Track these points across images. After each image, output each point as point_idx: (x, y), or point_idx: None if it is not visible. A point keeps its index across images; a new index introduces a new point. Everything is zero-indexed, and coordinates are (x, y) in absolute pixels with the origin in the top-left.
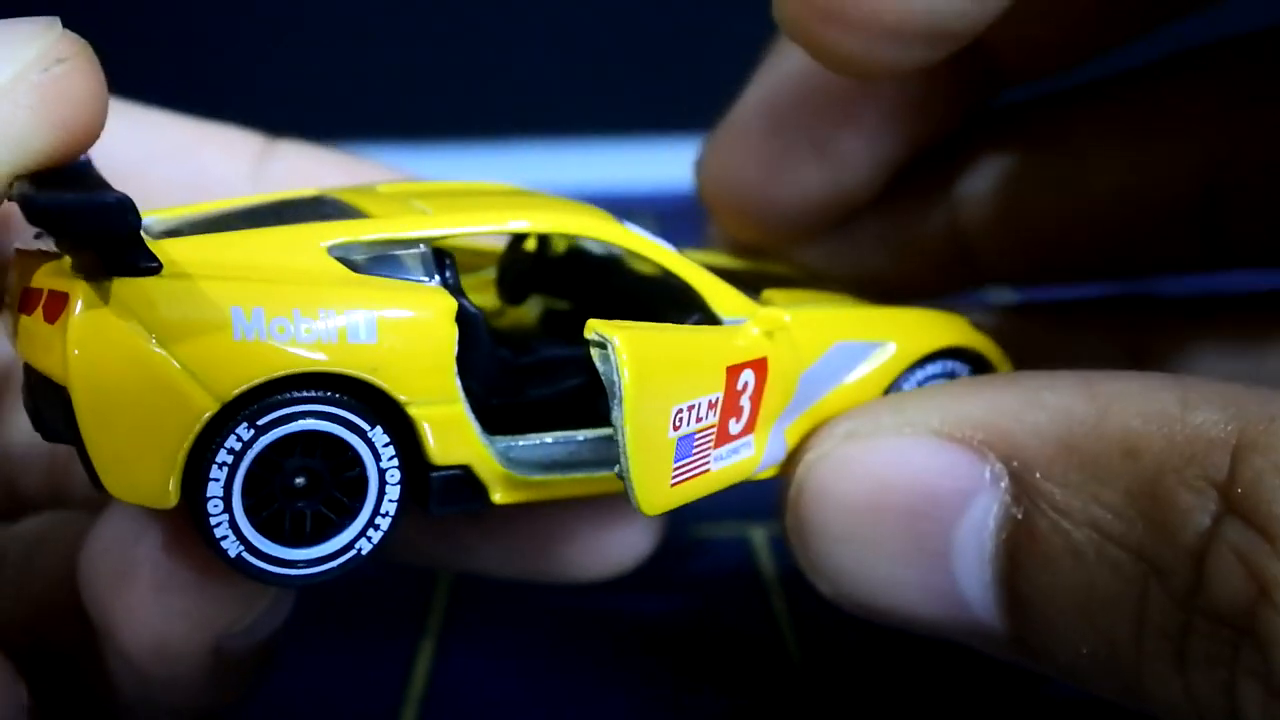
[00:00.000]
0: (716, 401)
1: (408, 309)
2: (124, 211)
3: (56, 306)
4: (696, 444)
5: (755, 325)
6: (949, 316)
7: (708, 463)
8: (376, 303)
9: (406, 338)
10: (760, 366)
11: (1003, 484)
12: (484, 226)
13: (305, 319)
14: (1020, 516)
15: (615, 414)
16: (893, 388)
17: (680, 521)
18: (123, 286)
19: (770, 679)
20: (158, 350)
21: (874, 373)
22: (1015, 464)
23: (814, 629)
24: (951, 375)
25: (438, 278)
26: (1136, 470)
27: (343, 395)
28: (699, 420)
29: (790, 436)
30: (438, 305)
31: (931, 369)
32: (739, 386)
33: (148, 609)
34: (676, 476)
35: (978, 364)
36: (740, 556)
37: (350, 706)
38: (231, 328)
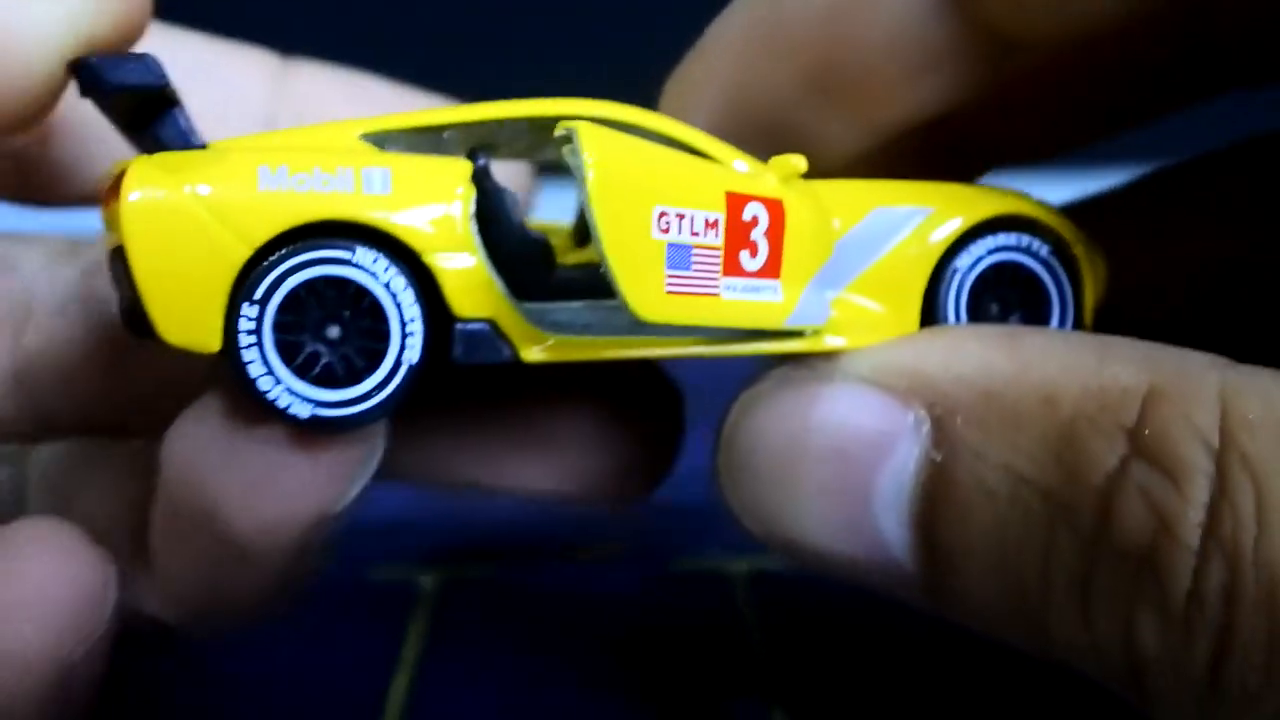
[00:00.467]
0: (717, 223)
1: (422, 167)
2: (154, 63)
3: (118, 184)
4: (696, 258)
5: (771, 172)
6: (1012, 191)
7: (716, 286)
8: (393, 162)
9: (420, 190)
10: (774, 207)
11: (925, 429)
12: (506, 115)
13: (324, 174)
14: (939, 460)
15: (580, 197)
16: (949, 259)
17: (658, 556)
18: (169, 157)
19: (746, 714)
20: (196, 204)
21: (923, 240)
22: (938, 411)
23: (792, 663)
24: (1028, 250)
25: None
26: (1052, 417)
27: (364, 244)
28: (694, 234)
29: (839, 308)
30: (452, 166)
31: (1003, 239)
32: (746, 218)
33: (264, 488)
34: (673, 285)
35: (1052, 238)
36: (718, 590)
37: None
38: (258, 181)
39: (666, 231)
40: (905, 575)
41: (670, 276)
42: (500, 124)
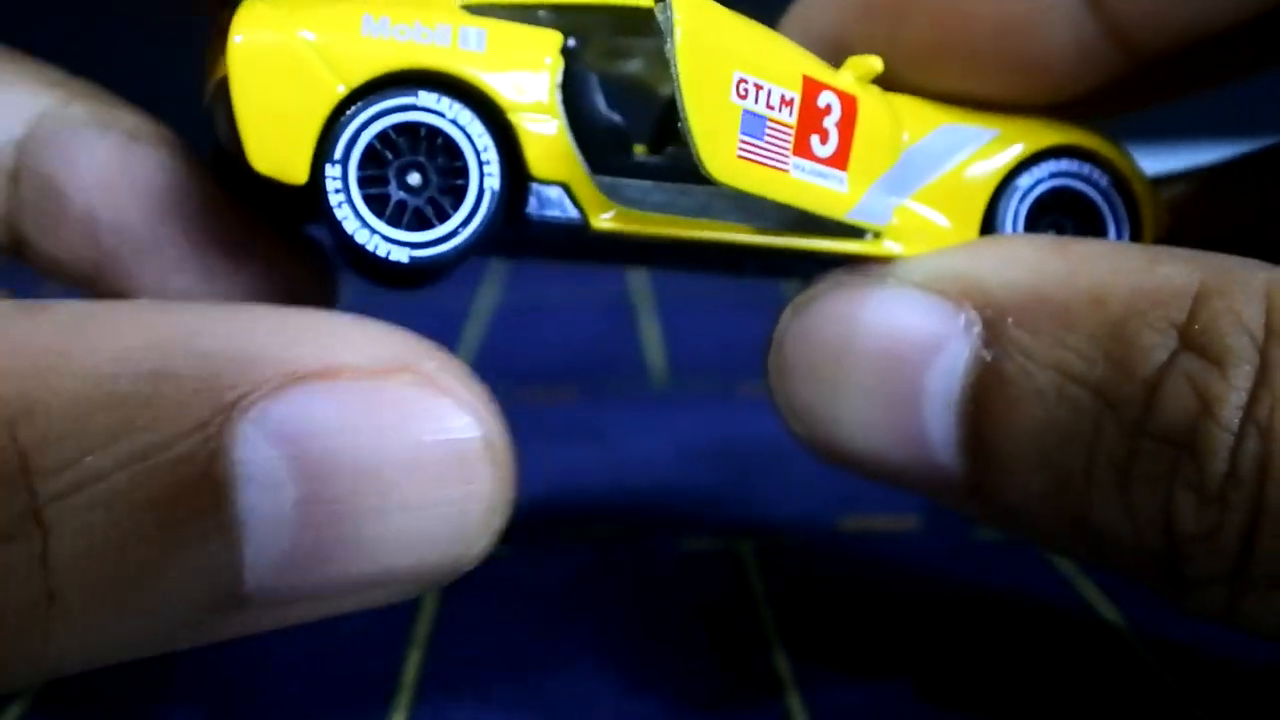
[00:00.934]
0: (792, 101)
1: (517, 33)
2: None
3: (225, 25)
4: (769, 131)
5: (849, 70)
6: (1079, 123)
7: (785, 162)
8: (490, 25)
9: (511, 51)
10: (848, 101)
11: (975, 330)
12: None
13: (424, 26)
14: (989, 360)
15: (668, 48)
16: (1009, 181)
17: (666, 534)
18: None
19: (757, 692)
20: (300, 41)
21: (987, 159)
22: (989, 312)
23: (802, 641)
24: (1089, 179)
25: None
26: (1103, 315)
27: (452, 95)
28: (770, 107)
29: (901, 215)
30: (544, 36)
31: (1065, 165)
32: (820, 104)
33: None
34: (745, 151)
35: (1113, 172)
36: (727, 570)
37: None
38: (361, 27)
39: (744, 98)
40: (949, 476)
41: (743, 142)
42: (594, 12)
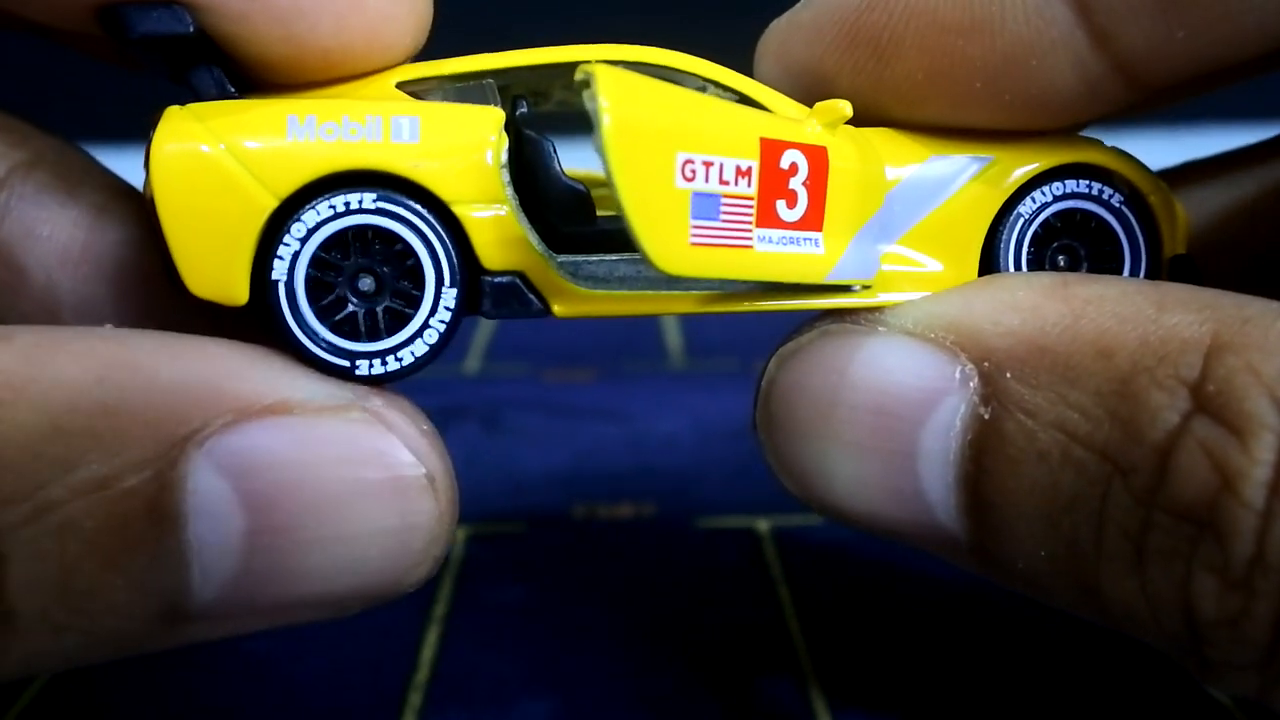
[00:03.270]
0: (750, 170)
1: (452, 115)
2: (181, 12)
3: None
4: (726, 208)
5: (814, 118)
6: (1080, 137)
7: (748, 238)
8: (422, 111)
9: (449, 139)
10: (816, 155)
11: (972, 384)
12: (545, 60)
13: (353, 122)
14: (988, 417)
15: (595, 143)
16: (1009, 210)
17: (685, 513)
18: (201, 106)
19: (774, 669)
20: (223, 153)
21: (982, 189)
22: (986, 365)
23: (819, 619)
24: (1099, 198)
25: (496, 104)
26: (1108, 370)
27: (396, 194)
28: (724, 182)
29: (891, 261)
30: (483, 115)
31: (1071, 185)
32: (783, 165)
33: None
34: (699, 236)
35: (1126, 187)
36: (745, 548)
37: (355, 690)
38: (286, 131)
39: (692, 179)
40: (950, 538)
41: (696, 227)
42: (542, 70)
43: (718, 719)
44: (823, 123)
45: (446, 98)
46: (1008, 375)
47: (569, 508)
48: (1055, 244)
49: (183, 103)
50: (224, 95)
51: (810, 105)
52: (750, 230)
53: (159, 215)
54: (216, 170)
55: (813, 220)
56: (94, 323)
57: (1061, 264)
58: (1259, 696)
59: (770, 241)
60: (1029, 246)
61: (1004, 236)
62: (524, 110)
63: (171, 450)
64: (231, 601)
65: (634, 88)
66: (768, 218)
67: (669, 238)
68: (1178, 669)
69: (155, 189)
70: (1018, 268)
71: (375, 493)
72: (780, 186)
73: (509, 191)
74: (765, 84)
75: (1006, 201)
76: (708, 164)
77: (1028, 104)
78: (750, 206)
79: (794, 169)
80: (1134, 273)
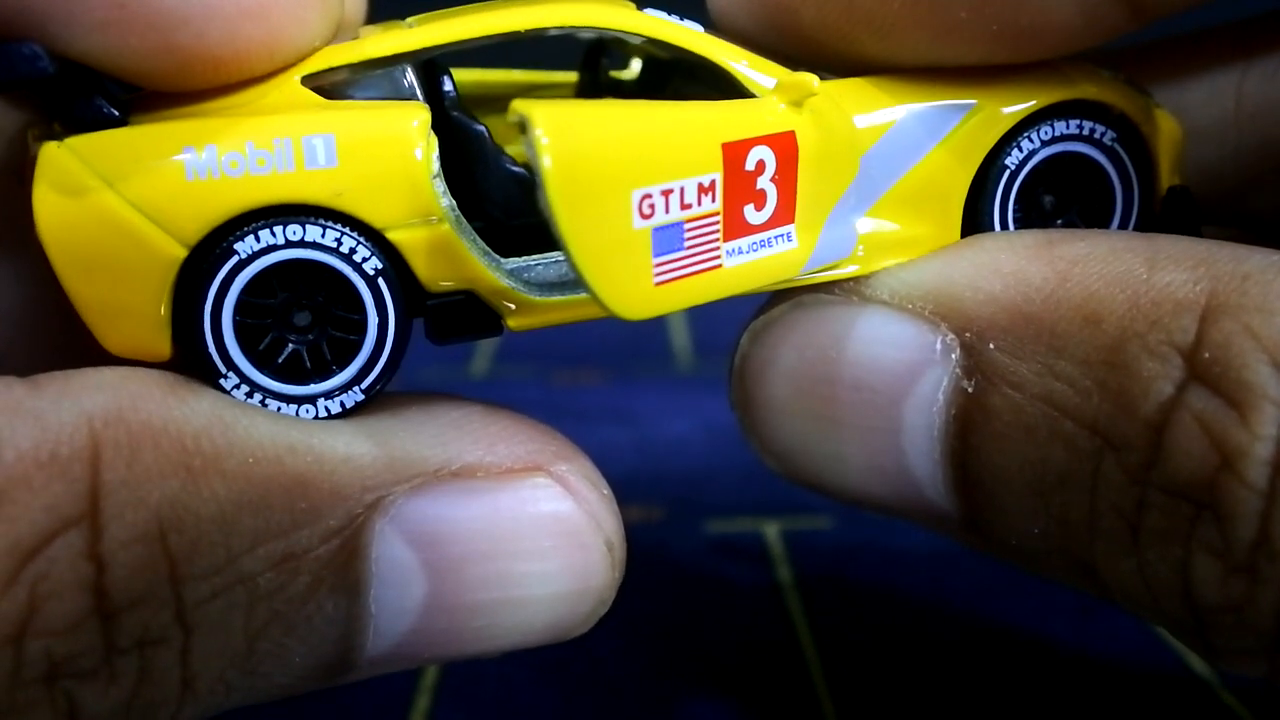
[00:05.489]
0: (713, 185)
1: (371, 127)
2: (37, 52)
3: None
4: (691, 234)
5: (778, 97)
6: (1066, 65)
7: (716, 256)
8: (337, 125)
9: (370, 158)
10: (784, 143)
11: (954, 356)
12: (468, 34)
13: (259, 150)
14: (971, 391)
15: (540, 203)
16: (994, 161)
17: (693, 516)
18: (81, 142)
19: (782, 674)
20: (118, 200)
21: (963, 140)
22: (968, 335)
23: (827, 623)
24: (1090, 138)
25: (420, 95)
26: (1096, 338)
27: (322, 222)
28: (686, 206)
29: (868, 230)
30: (405, 118)
31: (1060, 128)
32: (749, 166)
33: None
34: (664, 273)
35: (1121, 126)
36: (753, 550)
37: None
38: (185, 169)
39: (650, 215)
40: (941, 514)
41: (660, 265)
42: (467, 44)
43: None
44: (788, 100)
45: (362, 87)
46: (990, 345)
47: None
48: (1043, 189)
49: (56, 134)
50: (104, 120)
51: (772, 38)
52: (718, 247)
53: (59, 273)
54: (113, 221)
55: (783, 214)
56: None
57: (1049, 205)
58: (1273, 679)
59: (740, 253)
60: (1016, 200)
61: (989, 191)
62: (450, 91)
63: (358, 519)
64: (397, 656)
65: (576, 125)
66: (736, 228)
67: (630, 284)
68: (1199, 684)
69: (46, 245)
70: (1004, 225)
71: (556, 559)
72: (747, 190)
73: (445, 202)
74: (723, 15)
75: (991, 151)
76: (667, 193)
77: (1018, 34)
78: (716, 222)
79: (760, 167)
80: (1127, 213)
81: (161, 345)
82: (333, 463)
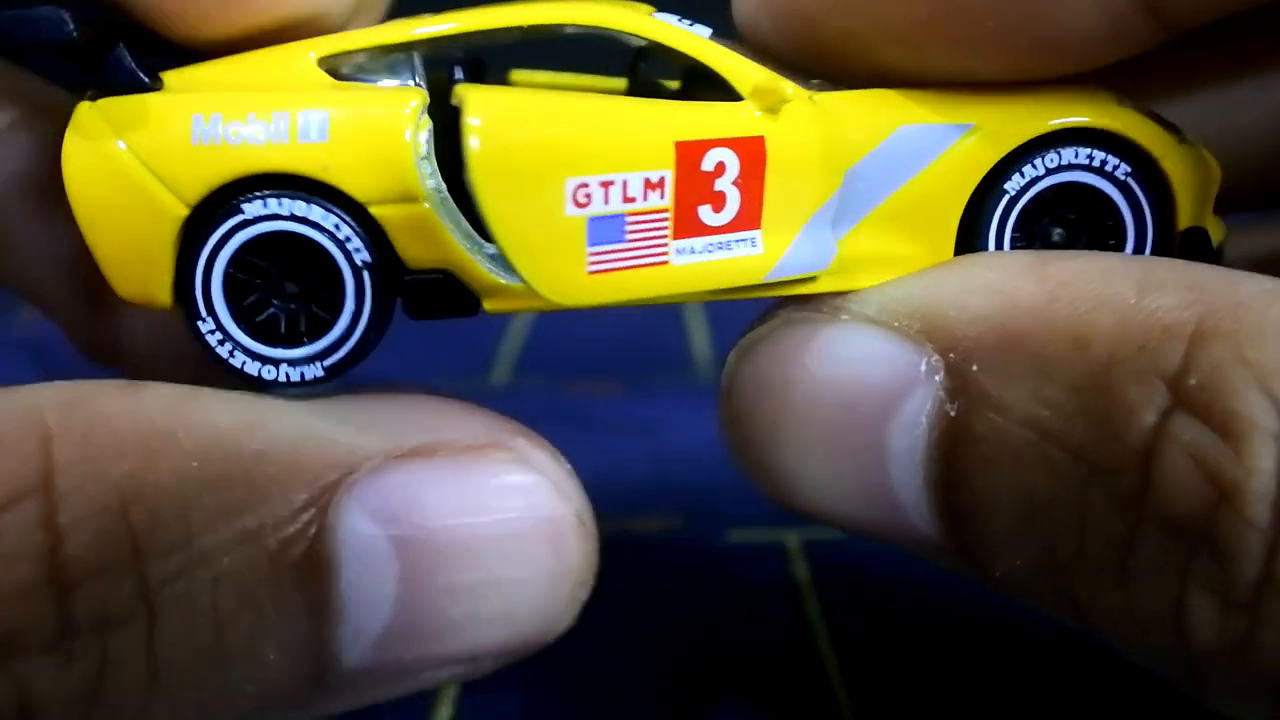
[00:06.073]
0: (662, 181)
1: (363, 108)
2: (58, 16)
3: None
4: (634, 227)
5: (752, 102)
6: (1081, 89)
7: (663, 253)
8: (334, 103)
9: (359, 135)
10: (750, 147)
11: (938, 377)
12: (475, 27)
13: (259, 121)
14: (955, 414)
15: (467, 184)
16: (993, 185)
17: (713, 527)
18: (111, 102)
19: (802, 685)
20: (131, 158)
21: (958, 162)
22: (952, 355)
23: (848, 635)
24: (1100, 169)
25: (424, 82)
26: (1083, 362)
27: (310, 196)
28: (629, 200)
29: (852, 245)
30: (398, 102)
31: (1067, 155)
32: (706, 167)
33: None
34: (600, 263)
35: (1138, 160)
36: (773, 562)
37: None
38: (191, 134)
39: (586, 205)
40: (927, 540)
41: (595, 254)
42: (475, 36)
43: None
44: (761, 106)
45: (374, 72)
46: (975, 367)
47: (598, 522)
48: (1049, 218)
49: (93, 97)
50: (136, 86)
51: (796, 50)
52: (665, 245)
53: (77, 216)
54: (126, 176)
55: (747, 219)
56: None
57: (1056, 239)
58: None
59: (691, 252)
60: (1015, 226)
61: (985, 215)
62: (460, 79)
63: (323, 496)
64: (379, 663)
65: (512, 109)
66: (688, 227)
67: (560, 269)
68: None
69: (69, 193)
70: (1000, 249)
71: (527, 534)
72: (703, 190)
73: (432, 182)
74: (746, 26)
75: (990, 175)
76: (606, 184)
77: (1045, 47)
78: (664, 220)
79: (720, 169)
80: (1139, 252)
81: (163, 294)
82: (293, 440)
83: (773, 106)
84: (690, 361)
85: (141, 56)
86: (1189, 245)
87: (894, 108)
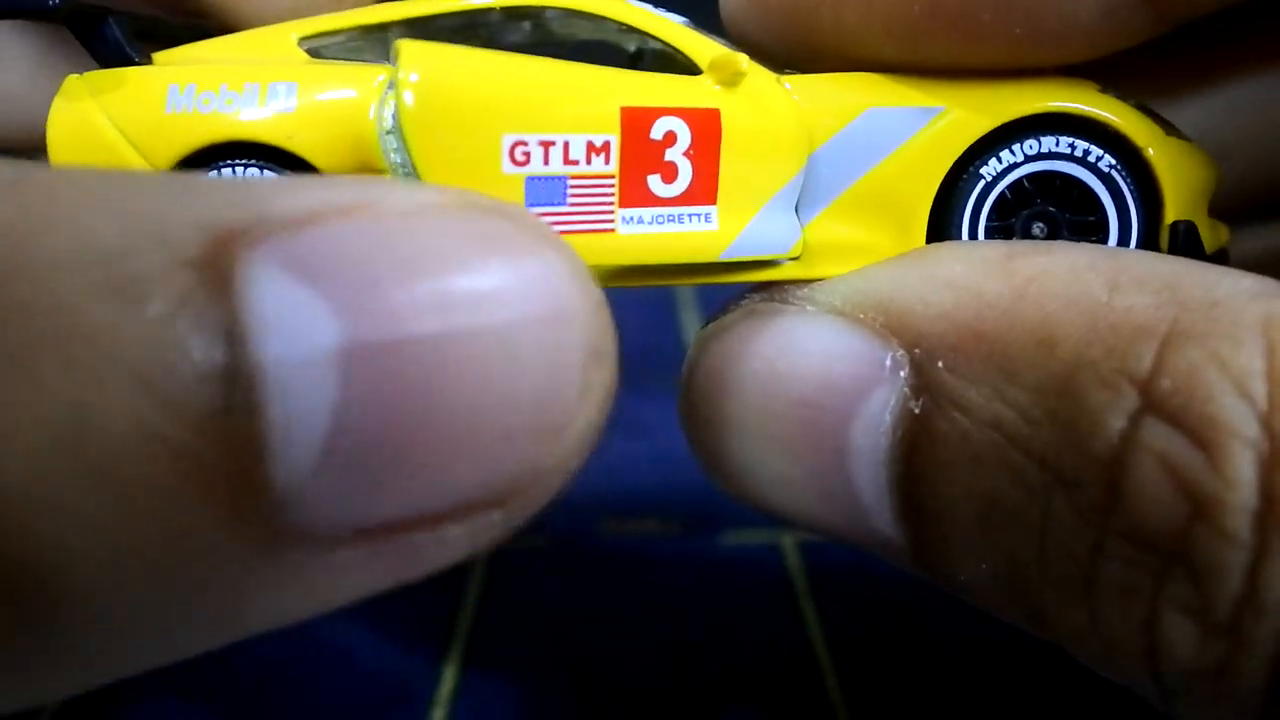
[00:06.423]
0: (607, 145)
1: (330, 81)
2: None
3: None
4: (576, 191)
5: (709, 76)
6: (1065, 79)
7: (609, 220)
8: (303, 76)
9: (325, 107)
10: (703, 119)
11: (902, 374)
12: (448, 7)
13: (230, 92)
14: (918, 413)
15: (399, 135)
16: (966, 170)
17: (710, 528)
18: (97, 75)
19: (798, 686)
20: (108, 126)
21: (926, 146)
22: (917, 352)
23: (844, 636)
24: (1082, 159)
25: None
26: (1049, 363)
27: (277, 166)
28: (570, 162)
29: (817, 232)
30: (364, 77)
31: (1046, 145)
32: (655, 135)
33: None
34: None
35: (1118, 146)
36: (770, 563)
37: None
38: (165, 103)
39: (524, 163)
40: (889, 544)
41: (534, 215)
42: (453, 17)
43: None
44: (718, 80)
45: (351, 53)
46: (939, 364)
47: (594, 523)
48: (1029, 210)
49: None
50: (124, 60)
51: (786, 44)
52: (611, 211)
53: None
54: (103, 141)
55: (701, 193)
56: None
57: (1037, 234)
58: None
59: (640, 222)
60: (990, 215)
61: (957, 201)
62: None
63: (219, 252)
64: (334, 494)
65: (447, 63)
66: (635, 195)
67: None
68: None
69: (51, 156)
70: (974, 237)
71: (503, 269)
72: (652, 159)
73: (396, 157)
74: (733, 18)
75: (965, 160)
76: (546, 144)
77: (1042, 37)
78: (610, 185)
79: (671, 138)
80: (1123, 246)
81: None
82: (189, 183)
83: (729, 80)
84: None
85: (133, 38)
86: (1177, 240)
87: (862, 90)
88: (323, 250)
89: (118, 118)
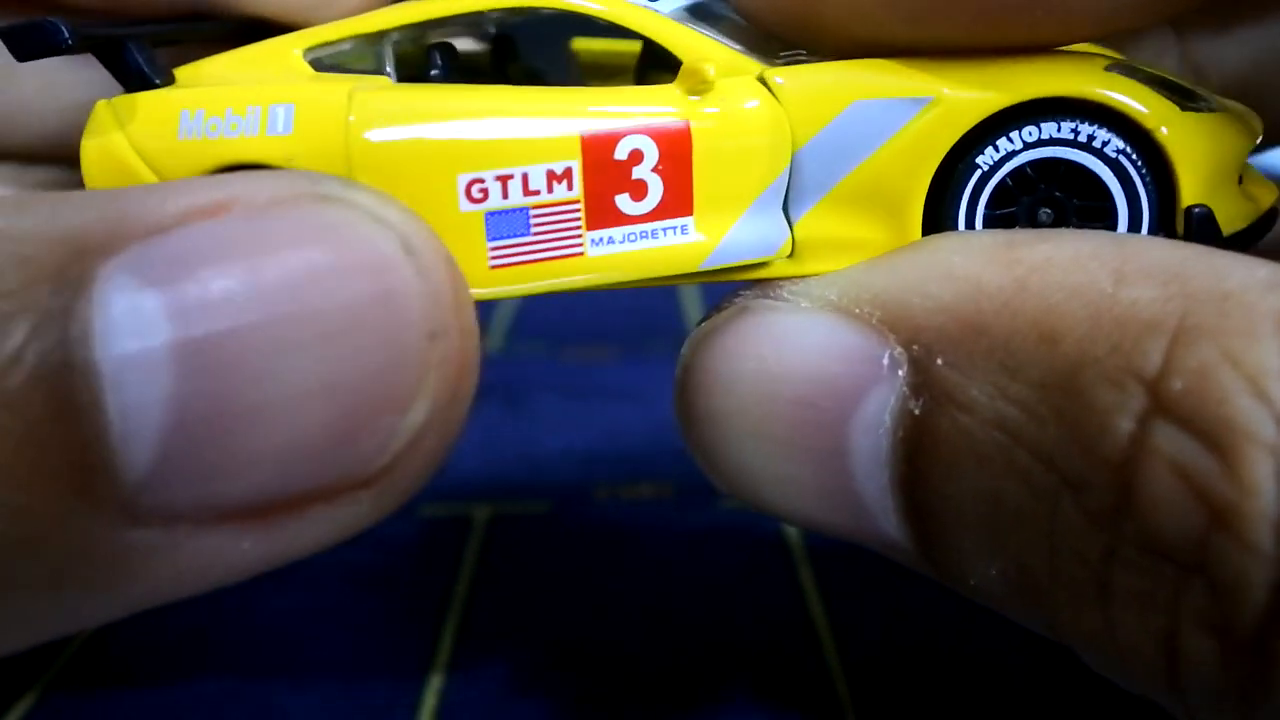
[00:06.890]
0: (569, 171)
1: (322, 98)
2: (52, 26)
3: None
4: (540, 219)
5: (678, 86)
6: (1064, 59)
7: (577, 244)
8: (299, 95)
9: (316, 125)
10: (671, 135)
11: (902, 371)
12: (447, 11)
13: (234, 116)
14: (918, 412)
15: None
16: (963, 159)
17: (705, 493)
18: (121, 100)
19: (795, 648)
20: (129, 152)
21: (917, 136)
22: (916, 348)
23: (840, 598)
24: (1087, 144)
25: (393, 70)
26: (1053, 359)
27: None
28: (531, 192)
29: (808, 229)
30: (349, 92)
31: (1047, 131)
32: (619, 156)
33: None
34: (502, 257)
35: (1127, 128)
36: (765, 526)
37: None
38: (178, 129)
39: (482, 200)
40: (895, 545)
41: (496, 248)
42: (454, 20)
43: (740, 702)
44: (686, 90)
45: (350, 63)
46: (939, 361)
47: (591, 488)
48: (1034, 196)
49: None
50: (146, 83)
51: (796, 28)
52: (579, 235)
53: None
54: (126, 168)
55: (675, 205)
56: None
57: (1044, 220)
58: None
59: (610, 242)
60: (990, 203)
61: (954, 192)
62: (437, 71)
63: (73, 268)
64: (181, 478)
65: (394, 110)
66: (604, 217)
67: (462, 265)
68: None
69: (86, 183)
70: (971, 228)
71: (341, 277)
72: (618, 180)
73: None
74: (744, 3)
75: (960, 149)
76: (504, 178)
77: (1060, 16)
78: (576, 209)
79: (637, 156)
80: (1132, 230)
81: None
82: (68, 199)
83: (697, 89)
84: (683, 328)
85: (153, 55)
86: (1191, 226)
87: (848, 82)
88: (170, 253)
89: (140, 146)
